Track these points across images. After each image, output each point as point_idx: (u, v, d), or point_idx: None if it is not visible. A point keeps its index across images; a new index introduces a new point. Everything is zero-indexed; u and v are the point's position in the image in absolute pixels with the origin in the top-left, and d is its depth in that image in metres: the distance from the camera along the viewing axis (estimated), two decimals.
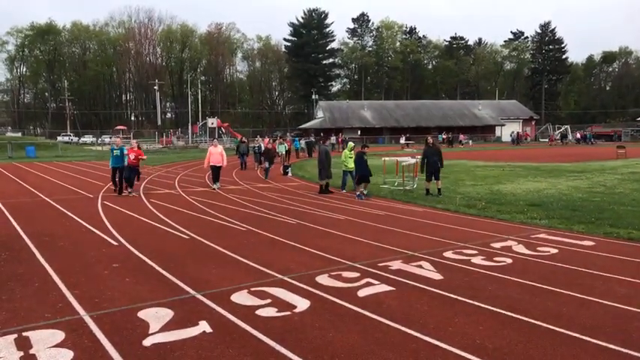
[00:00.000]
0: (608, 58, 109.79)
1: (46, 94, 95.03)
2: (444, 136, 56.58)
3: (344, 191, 15.35)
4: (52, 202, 13.42)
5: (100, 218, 10.82)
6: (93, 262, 7.06)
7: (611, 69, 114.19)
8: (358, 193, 14.13)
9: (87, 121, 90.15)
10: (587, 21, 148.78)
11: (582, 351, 4.12)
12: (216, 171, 16.90)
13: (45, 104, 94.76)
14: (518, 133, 61.48)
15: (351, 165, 14.87)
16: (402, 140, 55.44)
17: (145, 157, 15.62)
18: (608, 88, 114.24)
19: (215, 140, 19.01)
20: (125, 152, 14.86)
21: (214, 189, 16.29)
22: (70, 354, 4.08)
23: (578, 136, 63.04)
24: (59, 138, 64.08)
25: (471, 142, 59.21)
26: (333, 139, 49.81)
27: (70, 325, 4.70)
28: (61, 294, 5.63)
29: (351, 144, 15.86)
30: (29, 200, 14.02)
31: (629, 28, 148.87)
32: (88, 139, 69.99)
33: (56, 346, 4.24)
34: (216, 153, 16.86)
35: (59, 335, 4.45)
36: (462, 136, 58.90)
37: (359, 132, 68.26)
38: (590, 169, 22.08)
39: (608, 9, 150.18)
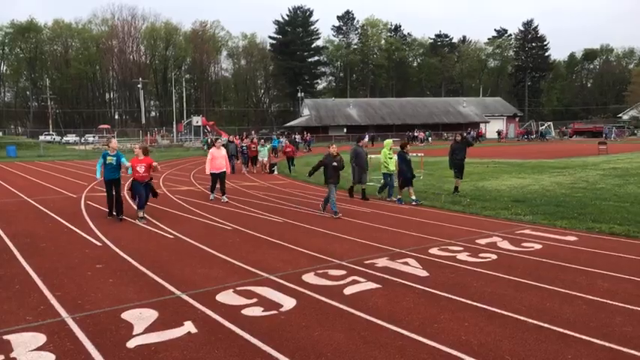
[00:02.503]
0: (590, 55, 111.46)
1: (28, 92, 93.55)
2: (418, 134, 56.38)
3: (393, 199, 13.04)
4: (33, 203, 13.20)
5: (83, 218, 10.67)
6: (76, 263, 6.96)
7: (592, 66, 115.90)
8: (399, 197, 12.74)
9: (69, 120, 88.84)
10: (569, 20, 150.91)
11: (566, 346, 4.16)
12: (220, 179, 13.52)
13: (26, 103, 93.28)
14: (477, 131, 62.32)
15: (393, 167, 13.06)
16: (366, 139, 54.33)
17: (156, 164, 10.83)
18: (589, 85, 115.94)
19: (218, 140, 14.77)
20: (127, 164, 10.53)
21: (222, 200, 13.22)
22: (52, 357, 4.01)
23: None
24: (41, 137, 63.05)
25: (430, 139, 58.22)
26: (297, 137, 47.96)
27: (52, 327, 4.62)
28: (43, 296, 5.53)
29: (389, 141, 13.79)
30: (10, 200, 13.78)
31: (611, 27, 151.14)
32: (70, 138, 68.98)
33: (37, 349, 4.16)
34: (220, 157, 13.51)
35: (41, 338, 4.36)
36: (421, 134, 58.38)
37: (345, 130, 68.38)
38: (573, 165, 22.37)
39: (590, 9, 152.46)
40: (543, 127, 72.22)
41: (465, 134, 15.20)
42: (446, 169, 20.47)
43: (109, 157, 10.52)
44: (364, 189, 13.42)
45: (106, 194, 10.84)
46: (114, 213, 10.63)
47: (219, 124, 67.29)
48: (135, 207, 10.79)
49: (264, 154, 23.05)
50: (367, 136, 55.19)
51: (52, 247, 7.94)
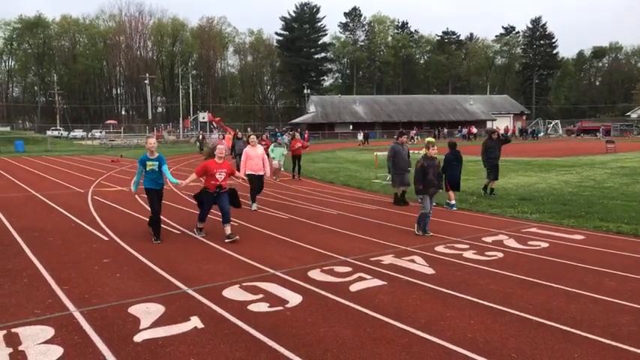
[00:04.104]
0: (598, 53, 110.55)
1: (35, 87, 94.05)
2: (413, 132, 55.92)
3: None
4: (41, 197, 13.29)
5: (90, 213, 10.73)
6: (83, 257, 7.00)
7: (600, 64, 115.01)
8: (449, 201, 11.38)
9: (77, 115, 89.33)
10: (578, 17, 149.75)
11: (572, 344, 4.15)
12: (256, 183, 11.35)
13: (34, 98, 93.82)
14: (468, 129, 61.92)
15: None
16: (360, 137, 53.70)
17: (239, 174, 9.32)
18: (597, 83, 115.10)
19: (252, 137, 11.82)
20: (173, 179, 8.16)
21: (252, 208, 11.28)
22: (60, 350, 4.04)
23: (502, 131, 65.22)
24: (48, 132, 63.39)
25: (419, 137, 57.48)
26: (285, 137, 42.39)
27: (60, 321, 4.66)
28: (51, 290, 5.57)
29: (431, 139, 12.41)
30: (18, 195, 13.87)
31: (620, 25, 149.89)
32: (77, 133, 69.29)
33: (46, 342, 4.19)
34: (256, 156, 11.24)
35: (49, 331, 4.40)
36: (412, 132, 58.04)
37: (351, 127, 68.34)
38: (580, 164, 22.25)
39: (598, 6, 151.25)
40: (551, 124, 72.18)
41: (497, 131, 13.76)
42: None
43: (149, 163, 7.94)
44: (404, 191, 11.92)
45: (150, 207, 8.13)
46: (158, 238, 8.02)
47: (225, 121, 67.40)
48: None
49: (278, 156, 18.32)
50: (361, 133, 54.72)
51: (60, 242, 7.99)
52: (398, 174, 11.87)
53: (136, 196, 11.96)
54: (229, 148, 30.49)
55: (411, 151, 12.72)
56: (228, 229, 8.06)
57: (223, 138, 25.45)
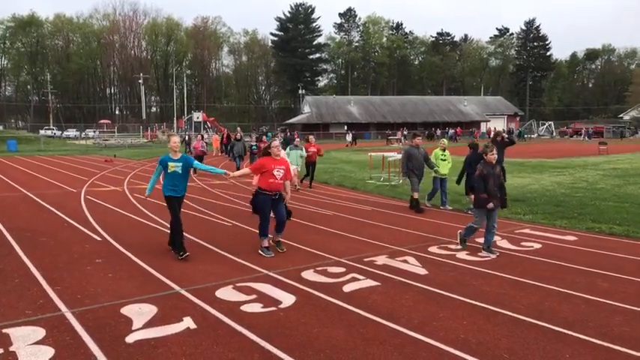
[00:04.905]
0: (591, 55, 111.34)
1: (29, 86, 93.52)
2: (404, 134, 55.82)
3: (448, 207, 11.37)
4: (33, 197, 13.20)
5: (83, 213, 10.67)
6: (75, 257, 6.96)
7: (593, 66, 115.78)
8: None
9: (70, 114, 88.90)
10: (577, 19, 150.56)
11: (564, 345, 4.16)
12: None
13: (27, 97, 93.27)
14: (455, 130, 62.09)
15: (445, 170, 11.33)
16: (349, 138, 53.56)
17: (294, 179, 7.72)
18: (590, 85, 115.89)
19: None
20: (216, 170, 7.73)
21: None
22: (51, 351, 4.01)
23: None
24: (42, 132, 63.04)
25: (403, 139, 57.42)
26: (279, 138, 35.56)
27: (51, 321, 4.63)
28: (42, 290, 5.54)
29: (444, 141, 11.88)
30: (10, 195, 13.78)
31: (613, 27, 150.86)
32: (71, 133, 68.88)
33: (37, 343, 4.16)
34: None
35: (40, 332, 4.37)
36: (399, 134, 58.07)
37: (345, 127, 68.42)
38: (573, 165, 22.38)
39: (597, 7, 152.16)
40: (544, 126, 72.66)
41: (501, 133, 12.41)
42: None
43: (171, 164, 6.92)
44: (416, 198, 11.20)
45: (171, 216, 7.08)
46: (180, 252, 6.92)
47: (219, 121, 67.31)
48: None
49: (295, 160, 14.40)
50: (350, 134, 54.52)
51: (52, 242, 7.94)
52: (415, 179, 11.13)
53: (130, 196, 11.90)
54: (217, 148, 30.16)
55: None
56: (277, 238, 7.34)
57: (202, 138, 23.12)
